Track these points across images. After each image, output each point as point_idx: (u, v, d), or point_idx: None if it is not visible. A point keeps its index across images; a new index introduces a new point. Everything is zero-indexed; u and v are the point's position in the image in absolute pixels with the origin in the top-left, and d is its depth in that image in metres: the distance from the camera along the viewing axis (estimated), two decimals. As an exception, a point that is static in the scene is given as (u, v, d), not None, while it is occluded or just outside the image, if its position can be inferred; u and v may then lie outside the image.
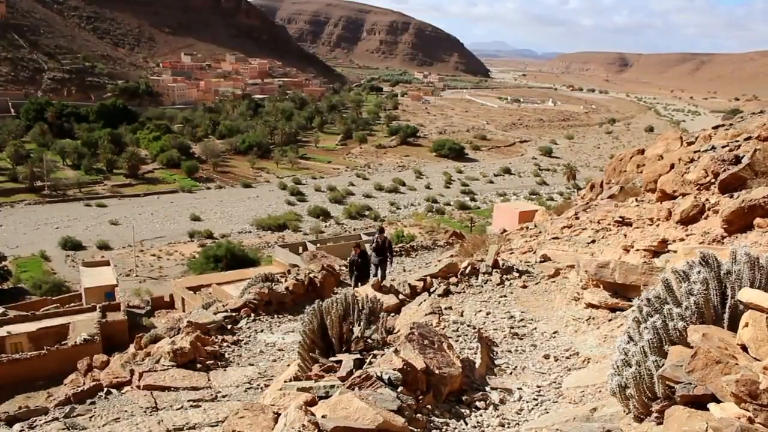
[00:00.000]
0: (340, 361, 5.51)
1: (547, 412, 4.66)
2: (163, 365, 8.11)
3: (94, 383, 8.25)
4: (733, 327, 3.32)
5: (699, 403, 2.97)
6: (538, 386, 5.15)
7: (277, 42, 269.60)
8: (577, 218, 15.22)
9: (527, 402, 4.92)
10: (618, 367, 3.83)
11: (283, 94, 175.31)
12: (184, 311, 27.68)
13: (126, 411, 7.06)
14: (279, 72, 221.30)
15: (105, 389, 7.96)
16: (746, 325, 3.08)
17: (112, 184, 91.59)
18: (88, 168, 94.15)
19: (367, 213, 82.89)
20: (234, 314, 10.46)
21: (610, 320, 6.58)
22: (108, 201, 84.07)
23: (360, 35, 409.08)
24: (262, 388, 7.34)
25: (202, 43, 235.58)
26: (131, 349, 10.59)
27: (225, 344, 9.16)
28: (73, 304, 33.49)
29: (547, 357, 5.84)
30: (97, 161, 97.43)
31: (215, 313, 10.59)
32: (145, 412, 6.94)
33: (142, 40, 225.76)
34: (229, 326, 9.97)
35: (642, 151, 22.54)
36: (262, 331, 9.87)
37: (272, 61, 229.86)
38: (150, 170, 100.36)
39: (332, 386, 4.95)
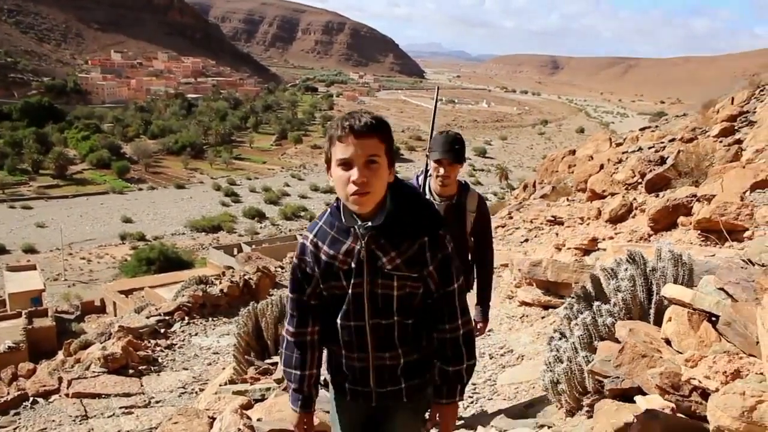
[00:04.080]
0: (275, 364, 5.46)
1: (483, 409, 4.73)
2: (94, 372, 7.87)
3: (19, 393, 7.93)
4: (659, 322, 3.44)
5: (627, 395, 3.07)
6: (474, 384, 5.21)
7: (211, 41, 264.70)
8: (511, 218, 15.51)
9: (463, 400, 4.97)
10: (550, 363, 3.92)
11: (217, 93, 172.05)
12: (115, 315, 26.87)
13: (54, 420, 6.82)
14: (213, 71, 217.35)
15: (31, 399, 7.67)
16: (670, 319, 3.19)
17: (38, 185, 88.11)
18: (11, 168, 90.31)
19: (302, 214, 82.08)
20: (167, 318, 10.24)
21: (543, 317, 6.72)
22: (34, 203, 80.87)
23: (295, 35, 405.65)
24: (196, 392, 7.20)
25: (133, 40, 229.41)
26: (60, 355, 10.24)
27: (158, 349, 8.95)
28: (-4, 311, 32.09)
29: (482, 355, 5.91)
30: (22, 161, 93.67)
31: (148, 317, 10.35)
32: (74, 420, 6.72)
33: (69, 35, 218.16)
34: (162, 330, 9.76)
35: (573, 152, 23.14)
36: (196, 334, 9.69)
37: (206, 60, 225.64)
38: (79, 171, 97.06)
39: (268, 389, 4.91)
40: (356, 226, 2.08)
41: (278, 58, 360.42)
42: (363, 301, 2.15)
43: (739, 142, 11.05)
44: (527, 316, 6.90)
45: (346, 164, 1.98)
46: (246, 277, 12.15)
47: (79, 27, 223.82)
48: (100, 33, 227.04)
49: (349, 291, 2.15)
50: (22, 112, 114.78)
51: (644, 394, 2.93)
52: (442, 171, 3.75)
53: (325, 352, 2.41)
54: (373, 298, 2.15)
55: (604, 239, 8.75)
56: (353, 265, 2.11)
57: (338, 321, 2.21)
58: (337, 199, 2.12)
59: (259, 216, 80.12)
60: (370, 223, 2.07)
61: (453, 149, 3.69)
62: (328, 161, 2.05)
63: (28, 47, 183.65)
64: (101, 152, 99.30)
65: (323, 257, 2.15)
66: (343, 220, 2.10)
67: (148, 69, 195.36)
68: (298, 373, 2.30)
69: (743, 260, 3.53)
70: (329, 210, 2.19)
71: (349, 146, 1.97)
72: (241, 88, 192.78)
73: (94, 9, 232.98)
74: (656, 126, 25.61)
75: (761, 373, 2.37)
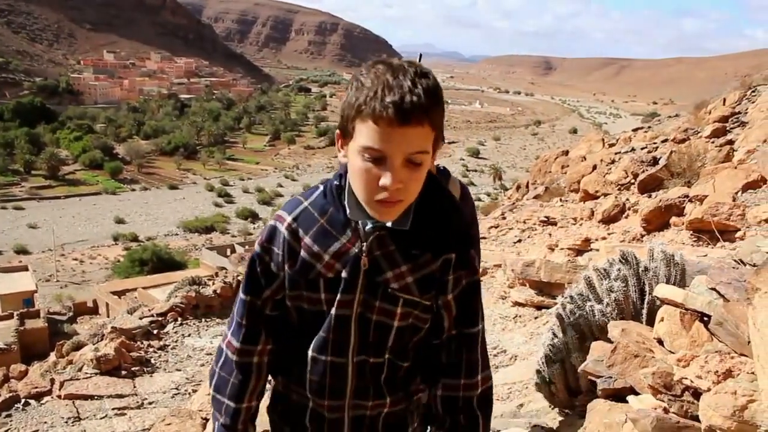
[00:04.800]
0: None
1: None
2: (86, 373, 7.84)
3: (11, 395, 7.88)
4: (651, 322, 3.45)
5: (619, 395, 3.08)
6: (467, 384, 5.20)
7: (204, 41, 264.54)
8: (504, 218, 15.54)
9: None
10: (543, 363, 3.93)
11: (210, 94, 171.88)
12: (108, 317, 26.78)
13: (46, 422, 6.79)
14: (206, 71, 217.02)
15: (23, 400, 7.63)
16: (662, 319, 3.21)
17: (30, 185, 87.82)
18: (3, 169, 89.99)
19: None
20: (160, 319, 10.21)
21: (536, 318, 6.74)
22: (26, 203, 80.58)
23: (288, 35, 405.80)
24: (189, 393, 7.18)
25: (126, 40, 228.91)
26: (52, 357, 10.19)
27: (151, 350, 8.93)
28: (-13, 312, 31.94)
29: (475, 355, 5.90)
30: (14, 162, 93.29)
31: (141, 318, 10.32)
32: (66, 422, 6.70)
33: (62, 36, 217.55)
34: (155, 331, 9.73)
35: (566, 153, 23.22)
36: (189, 335, 9.67)
37: (199, 61, 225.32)
38: (71, 171, 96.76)
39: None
40: (361, 222, 1.49)
41: (271, 59, 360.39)
42: (349, 328, 1.53)
43: (730, 142, 11.09)
44: (520, 316, 6.91)
45: (377, 159, 1.35)
46: (239, 278, 12.13)
47: (71, 27, 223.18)
48: (93, 33, 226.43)
49: (332, 310, 1.52)
50: (14, 113, 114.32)
51: (637, 393, 2.94)
52: None
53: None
54: (363, 326, 1.53)
55: (596, 239, 8.77)
56: (344, 274, 1.49)
57: (310, 353, 1.57)
58: (340, 176, 1.53)
59: (252, 217, 80.00)
60: (383, 222, 1.48)
61: None
62: (345, 134, 1.43)
63: (20, 47, 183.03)
64: (94, 153, 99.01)
65: (302, 253, 1.52)
66: (347, 210, 1.49)
67: (141, 69, 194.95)
68: (233, 405, 1.63)
69: (735, 260, 3.54)
70: (322, 189, 1.57)
71: (388, 134, 1.33)
72: (234, 89, 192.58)
73: (86, 9, 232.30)
74: (649, 127, 25.74)
75: (752, 373, 2.38)
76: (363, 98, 1.34)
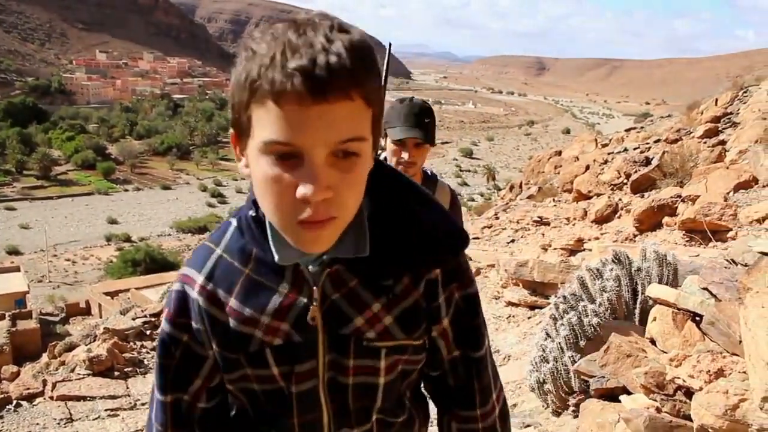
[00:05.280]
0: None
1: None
2: (79, 374, 7.82)
3: (3, 396, 7.85)
4: (644, 321, 3.47)
5: (612, 395, 3.09)
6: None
7: (197, 41, 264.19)
8: (497, 218, 15.58)
9: None
10: (536, 363, 3.94)
11: (203, 94, 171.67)
12: (101, 317, 26.70)
13: (38, 424, 6.77)
14: (199, 71, 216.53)
15: (14, 402, 7.60)
16: (654, 319, 3.22)
17: (22, 186, 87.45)
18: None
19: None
20: (153, 319, 10.17)
21: (529, 318, 6.76)
22: (18, 204, 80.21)
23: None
24: (183, 394, 7.16)
25: (118, 40, 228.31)
26: (44, 358, 10.15)
27: (144, 350, 8.90)
28: (-21, 313, 31.81)
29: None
30: (5, 162, 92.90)
31: (133, 319, 10.29)
32: (58, 424, 6.68)
33: (54, 35, 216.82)
34: (148, 332, 9.70)
35: (559, 153, 23.28)
36: (182, 336, 9.65)
37: (192, 61, 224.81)
38: (63, 172, 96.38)
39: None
40: (301, 263, 1.06)
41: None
42: (318, 403, 1.13)
43: (722, 143, 11.15)
44: (514, 316, 6.93)
45: (288, 158, 0.91)
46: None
47: (63, 27, 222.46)
48: (85, 33, 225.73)
49: (291, 387, 1.11)
50: (5, 113, 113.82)
51: (629, 393, 2.95)
52: (405, 156, 2.54)
53: None
54: (337, 394, 1.13)
55: (589, 239, 8.80)
56: (296, 337, 1.08)
57: None
58: (254, 202, 1.06)
59: (246, 217, 79.80)
60: (326, 255, 1.05)
61: (421, 124, 2.53)
62: (240, 131, 0.97)
63: (12, 47, 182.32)
64: (86, 153, 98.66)
65: (231, 322, 1.09)
66: (273, 251, 1.04)
67: (134, 69, 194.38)
68: None
69: (727, 260, 3.57)
70: (235, 224, 1.12)
71: (298, 117, 0.87)
72: (227, 89, 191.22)
73: (79, 8, 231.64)
74: (641, 127, 25.83)
75: (744, 372, 2.40)
76: (256, 70, 0.88)
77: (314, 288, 1.06)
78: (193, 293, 1.10)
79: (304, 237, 0.94)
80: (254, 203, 1.06)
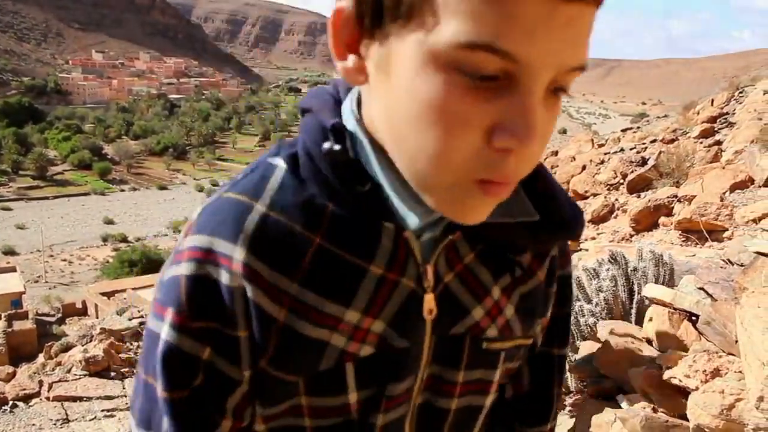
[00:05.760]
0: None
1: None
2: (75, 374, 7.81)
3: (-1, 396, 7.86)
4: (640, 321, 3.47)
5: (608, 395, 3.09)
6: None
7: (194, 41, 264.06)
8: (494, 218, 15.57)
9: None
10: (533, 363, 3.94)
11: (200, 94, 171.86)
12: (97, 318, 26.66)
13: (34, 425, 6.76)
14: (195, 72, 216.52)
15: (11, 403, 7.59)
16: (651, 319, 3.22)
17: (17, 186, 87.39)
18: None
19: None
20: (150, 320, 10.18)
21: (526, 317, 6.75)
22: (14, 204, 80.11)
23: (278, 36, 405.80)
24: (179, 394, 7.15)
25: (115, 40, 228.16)
26: (40, 358, 10.15)
27: (140, 351, 8.90)
28: (-25, 313, 31.73)
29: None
30: (1, 162, 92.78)
31: (130, 319, 10.30)
32: (54, 424, 6.66)
33: (50, 35, 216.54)
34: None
35: (555, 153, 23.28)
36: (179, 336, 9.64)
37: (188, 61, 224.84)
38: (60, 172, 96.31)
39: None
40: (410, 226, 0.67)
41: (261, 59, 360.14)
42: None
43: (719, 143, 11.17)
44: (510, 316, 6.93)
45: (487, 77, 0.52)
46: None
47: (60, 26, 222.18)
48: (81, 33, 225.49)
49: (376, 418, 0.72)
50: (1, 113, 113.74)
51: (626, 393, 2.96)
52: None
53: None
54: (429, 427, 0.78)
55: (586, 239, 8.80)
56: (398, 341, 0.70)
57: None
58: (336, 133, 0.66)
59: (243, 217, 79.74)
60: (459, 221, 0.62)
61: None
62: (378, 6, 0.55)
63: (8, 47, 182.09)
64: (82, 153, 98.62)
65: (293, 322, 0.67)
66: (389, 198, 0.66)
67: (130, 69, 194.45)
68: None
69: (723, 260, 3.57)
70: (284, 164, 0.70)
71: (539, 14, 0.49)
72: (224, 89, 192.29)
73: (75, 8, 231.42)
74: (638, 127, 25.86)
75: (740, 372, 2.40)
76: None
77: (427, 265, 0.70)
78: (226, 277, 0.65)
79: (472, 202, 0.59)
80: (334, 131, 0.66)
